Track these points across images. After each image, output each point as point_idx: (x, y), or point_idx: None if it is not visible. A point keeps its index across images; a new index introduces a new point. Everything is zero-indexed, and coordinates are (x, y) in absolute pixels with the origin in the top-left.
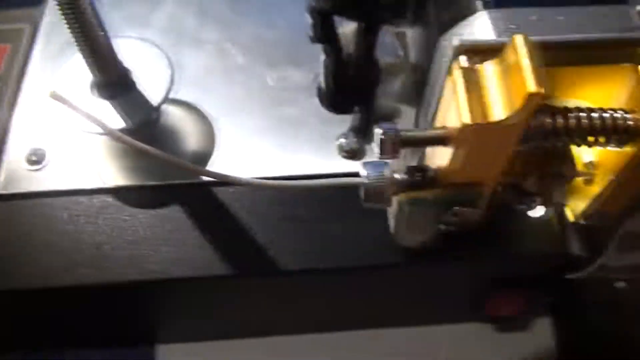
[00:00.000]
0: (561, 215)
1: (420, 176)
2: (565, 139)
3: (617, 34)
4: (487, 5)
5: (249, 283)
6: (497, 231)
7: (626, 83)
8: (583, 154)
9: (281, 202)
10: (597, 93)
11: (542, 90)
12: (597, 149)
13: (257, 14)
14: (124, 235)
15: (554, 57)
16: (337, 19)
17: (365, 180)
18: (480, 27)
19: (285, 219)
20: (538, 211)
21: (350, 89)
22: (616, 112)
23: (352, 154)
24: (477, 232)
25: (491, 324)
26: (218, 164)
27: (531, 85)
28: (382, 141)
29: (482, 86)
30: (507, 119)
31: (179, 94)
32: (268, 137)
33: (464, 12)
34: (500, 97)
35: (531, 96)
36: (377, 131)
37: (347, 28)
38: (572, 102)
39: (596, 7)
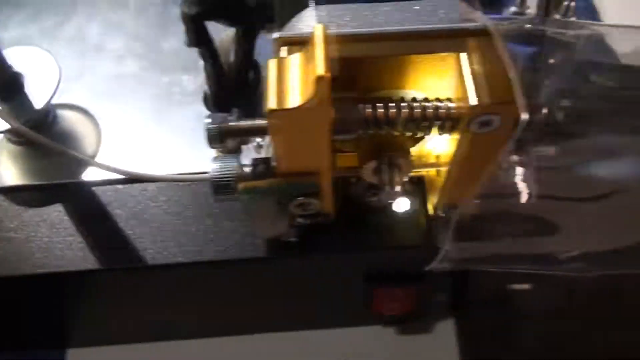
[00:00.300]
0: (426, 209)
1: (264, 167)
2: (388, 128)
3: (437, 26)
4: (317, 1)
5: (128, 279)
6: (364, 226)
7: (451, 73)
8: (434, 147)
9: (156, 199)
10: (433, 83)
11: (329, 75)
12: (443, 140)
13: (156, 26)
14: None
15: (381, 48)
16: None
17: (213, 174)
18: (306, 21)
19: (166, 214)
20: (403, 205)
21: (232, 92)
22: (440, 102)
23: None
24: (348, 228)
25: (395, 328)
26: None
27: (319, 70)
28: (207, 131)
29: (289, 75)
30: (304, 104)
31: (75, 100)
32: (154, 138)
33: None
34: (300, 85)
35: (319, 79)
36: (205, 121)
37: (228, 33)
38: (408, 93)
39: (427, 1)
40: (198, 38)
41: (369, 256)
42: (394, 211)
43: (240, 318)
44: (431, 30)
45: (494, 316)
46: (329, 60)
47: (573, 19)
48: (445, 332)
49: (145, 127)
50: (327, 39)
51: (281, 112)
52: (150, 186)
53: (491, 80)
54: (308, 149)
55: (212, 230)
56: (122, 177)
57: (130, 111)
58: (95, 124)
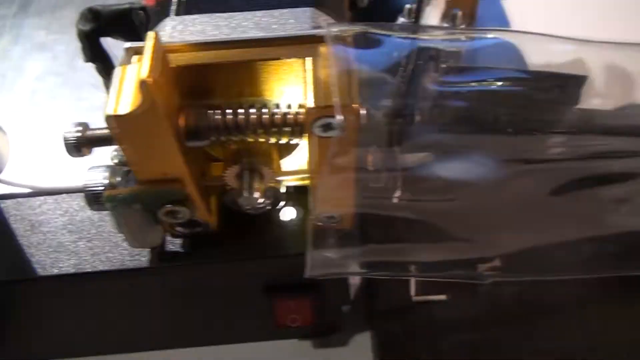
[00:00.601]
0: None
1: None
2: (239, 134)
3: (284, 33)
4: (177, 12)
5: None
6: (253, 236)
7: (300, 79)
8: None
9: (53, 211)
10: (286, 90)
11: (151, 79)
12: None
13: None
14: None
15: (228, 55)
16: None
17: (85, 185)
18: (163, 30)
19: (63, 226)
20: (289, 214)
21: None
22: (289, 108)
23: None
24: (236, 237)
25: (312, 341)
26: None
27: (142, 75)
28: (64, 140)
29: (128, 83)
30: (133, 110)
31: None
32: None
33: None
34: (133, 91)
35: (141, 84)
36: (64, 131)
37: None
38: (265, 101)
39: (275, 10)
40: (93, 54)
41: (254, 265)
42: (282, 220)
43: (143, 333)
44: (279, 37)
45: (409, 326)
46: (156, 66)
47: (462, 26)
48: (363, 345)
49: (55, 142)
50: (157, 46)
51: (115, 119)
52: (50, 199)
53: (333, 84)
54: (159, 156)
55: (107, 240)
56: (28, 190)
57: (42, 126)
58: (6, 140)
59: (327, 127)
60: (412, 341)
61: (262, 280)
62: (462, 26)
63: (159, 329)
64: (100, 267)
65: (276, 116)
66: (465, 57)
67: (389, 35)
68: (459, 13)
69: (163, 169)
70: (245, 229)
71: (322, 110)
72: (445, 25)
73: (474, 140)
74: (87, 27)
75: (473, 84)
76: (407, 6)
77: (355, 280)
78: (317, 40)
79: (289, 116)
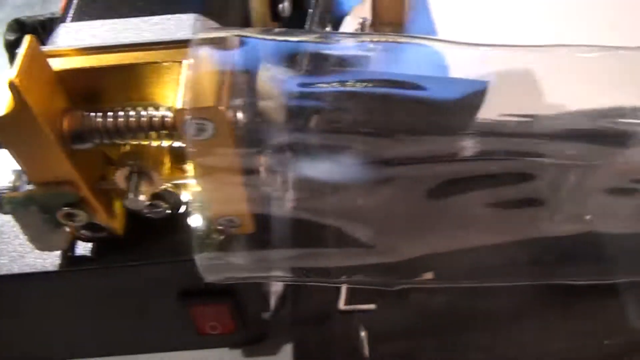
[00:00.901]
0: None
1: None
2: (117, 137)
3: (159, 38)
4: (72, 19)
5: None
6: (160, 240)
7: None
8: None
9: None
10: (170, 94)
11: (18, 80)
12: None
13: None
14: None
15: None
16: None
17: None
18: (57, 37)
19: None
20: (195, 220)
21: None
22: (157, 110)
23: None
24: (145, 241)
25: (241, 351)
26: None
27: (10, 76)
28: None
29: None
30: (6, 112)
31: None
32: None
33: None
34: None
35: (9, 85)
36: None
37: None
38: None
39: (160, 17)
40: None
41: (162, 269)
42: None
43: (60, 340)
44: (156, 42)
45: (333, 336)
46: (29, 69)
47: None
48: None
49: None
50: (32, 50)
51: None
52: None
53: (202, 86)
54: (44, 159)
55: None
56: None
57: None
58: None
59: (199, 129)
60: (335, 351)
61: (176, 286)
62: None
63: (78, 336)
64: (16, 270)
65: (154, 119)
66: (380, 63)
67: (265, 39)
68: (367, 22)
69: (52, 172)
70: (154, 233)
71: (190, 112)
72: (352, 32)
73: (335, 140)
74: (12, 36)
75: (334, 84)
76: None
77: (278, 287)
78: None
79: (166, 119)
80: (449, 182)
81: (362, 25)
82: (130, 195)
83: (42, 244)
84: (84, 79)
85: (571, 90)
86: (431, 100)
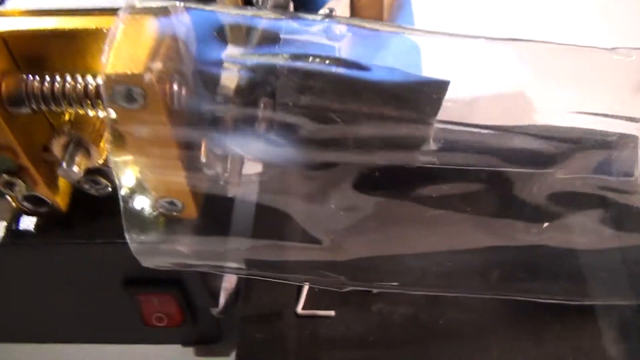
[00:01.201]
0: None
1: None
2: (54, 104)
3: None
4: None
5: None
6: (107, 220)
7: None
8: None
9: None
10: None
11: None
12: None
13: None
14: None
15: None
16: None
17: None
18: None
19: None
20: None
21: None
22: (85, 78)
23: None
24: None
25: (193, 350)
26: None
27: None
28: None
29: None
30: None
31: None
32: None
33: None
34: None
35: None
36: None
37: None
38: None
39: None
40: None
41: (105, 250)
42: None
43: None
44: (98, 8)
45: (286, 340)
46: None
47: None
48: None
49: None
50: None
51: None
52: None
53: (134, 52)
54: None
55: None
56: None
57: None
58: None
59: (130, 98)
60: (284, 354)
61: (120, 271)
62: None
63: (15, 317)
64: None
65: (89, 86)
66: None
67: (214, 11)
68: (334, 12)
69: None
70: (101, 213)
71: (116, 78)
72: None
73: (280, 118)
74: None
75: (282, 58)
76: None
77: (230, 283)
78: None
79: (89, 86)
80: (404, 176)
81: (330, 14)
82: (63, 165)
83: None
84: (27, 43)
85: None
86: (387, 85)
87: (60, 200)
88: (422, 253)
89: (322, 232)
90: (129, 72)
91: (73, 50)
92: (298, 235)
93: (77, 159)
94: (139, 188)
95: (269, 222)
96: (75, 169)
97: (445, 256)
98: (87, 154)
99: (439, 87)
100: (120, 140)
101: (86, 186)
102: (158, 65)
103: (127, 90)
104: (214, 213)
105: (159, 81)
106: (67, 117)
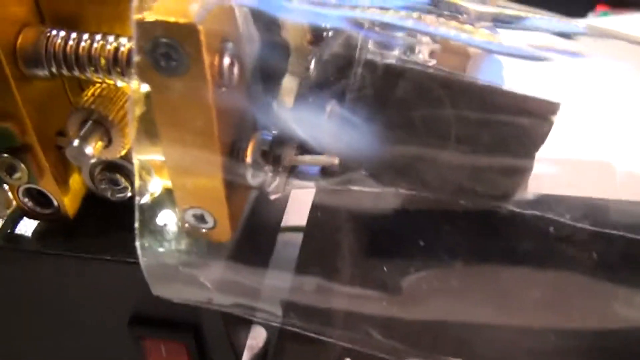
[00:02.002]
0: None
1: None
2: (77, 67)
3: None
4: None
5: None
6: (119, 235)
7: None
8: None
9: None
10: None
11: None
12: None
13: None
14: None
15: None
16: None
17: None
18: None
19: None
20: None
21: None
22: (119, 39)
23: None
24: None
25: None
26: None
27: None
28: None
29: None
30: None
31: None
32: None
33: None
34: None
35: None
36: None
37: None
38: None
39: None
40: None
41: (114, 269)
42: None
43: None
44: None
45: None
46: None
47: None
48: None
49: None
50: None
51: None
52: None
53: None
54: None
55: None
56: None
57: None
58: None
59: (166, 56)
60: None
61: (128, 303)
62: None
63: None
64: None
65: (121, 49)
66: None
67: None
68: None
69: None
70: (115, 226)
71: (157, 26)
72: None
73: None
74: None
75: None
76: None
77: (257, 340)
78: None
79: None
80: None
81: None
82: (75, 142)
83: None
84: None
85: None
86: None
87: (69, 203)
88: (520, 326)
89: (394, 276)
90: (172, 20)
91: (111, 14)
92: (357, 277)
93: (94, 140)
94: (163, 196)
95: (319, 254)
96: (89, 149)
97: (546, 334)
98: (107, 138)
99: (548, 109)
100: (147, 123)
101: (102, 186)
102: (210, 21)
103: (165, 46)
104: (251, 236)
105: (208, 41)
106: (90, 94)
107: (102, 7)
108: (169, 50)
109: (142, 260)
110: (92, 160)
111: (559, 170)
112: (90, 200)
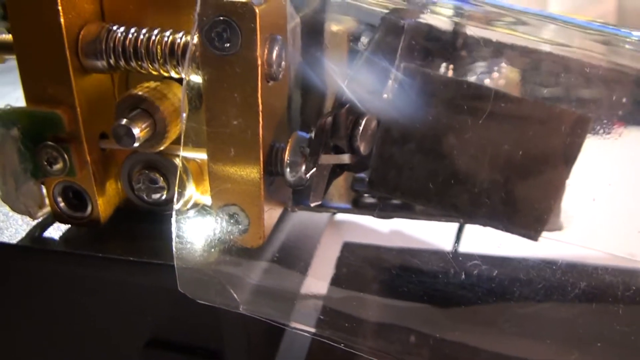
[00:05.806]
0: None
1: None
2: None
3: None
4: None
5: None
6: (144, 244)
7: None
8: None
9: None
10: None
11: None
12: None
13: None
14: None
15: None
16: None
17: None
18: None
19: None
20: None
21: None
22: (175, 34)
23: None
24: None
25: None
26: None
27: None
28: None
29: None
30: None
31: None
32: None
33: None
34: None
35: None
36: None
37: None
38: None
39: None
40: None
41: (132, 271)
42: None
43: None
44: None
45: None
46: None
47: None
48: None
49: None
50: None
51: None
52: None
53: None
54: (49, 70)
55: None
56: None
57: None
58: None
59: (221, 37)
60: None
61: (150, 318)
62: None
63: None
64: None
65: (177, 42)
66: None
67: None
68: None
69: (51, 87)
70: (144, 235)
71: (218, 3)
72: None
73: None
74: None
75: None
76: None
77: None
78: None
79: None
80: None
81: None
82: (124, 121)
83: (10, 199)
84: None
85: None
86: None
87: (103, 206)
88: None
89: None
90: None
91: (169, 24)
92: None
93: (140, 124)
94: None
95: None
96: (136, 130)
97: None
98: (152, 130)
99: (579, 123)
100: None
101: (139, 185)
102: (266, 10)
103: (223, 23)
104: (285, 254)
105: (262, 25)
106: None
107: (162, 16)
108: (226, 28)
109: (177, 262)
110: (135, 144)
111: None
112: (120, 212)
